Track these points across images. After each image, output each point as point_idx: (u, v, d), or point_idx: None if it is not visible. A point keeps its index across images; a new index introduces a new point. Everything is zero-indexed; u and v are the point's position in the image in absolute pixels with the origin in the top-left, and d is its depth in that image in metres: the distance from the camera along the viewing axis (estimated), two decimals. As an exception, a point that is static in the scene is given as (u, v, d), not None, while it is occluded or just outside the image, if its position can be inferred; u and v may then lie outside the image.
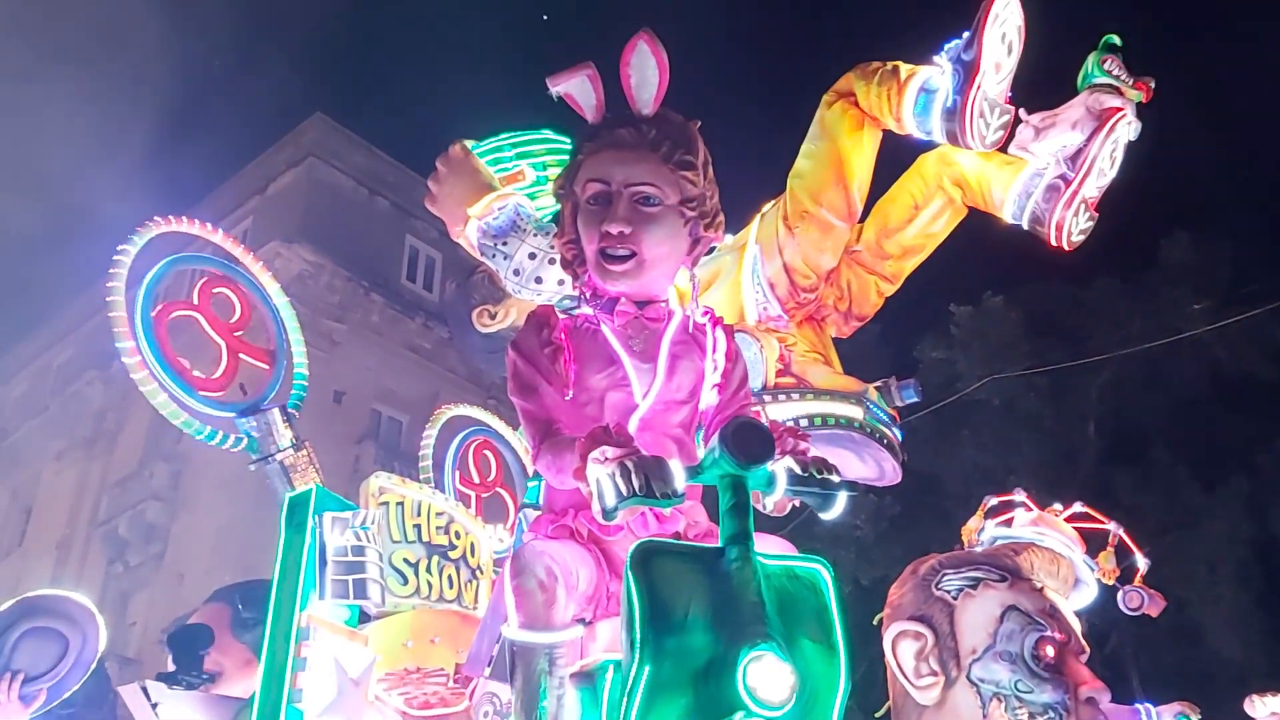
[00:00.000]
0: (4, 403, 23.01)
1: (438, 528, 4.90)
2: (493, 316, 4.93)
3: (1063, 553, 3.69)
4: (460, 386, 16.23)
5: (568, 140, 4.44)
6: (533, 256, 4.22)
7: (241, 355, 4.89)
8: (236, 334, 4.91)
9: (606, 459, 2.34)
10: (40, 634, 5.18)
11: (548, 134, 4.67)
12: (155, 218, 4.85)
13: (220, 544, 15.27)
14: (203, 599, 5.96)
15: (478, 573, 5.03)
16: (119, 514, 17.75)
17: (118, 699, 5.22)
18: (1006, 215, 4.22)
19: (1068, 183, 4.02)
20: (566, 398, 2.80)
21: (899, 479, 4.43)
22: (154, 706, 4.52)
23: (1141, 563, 4.04)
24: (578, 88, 2.92)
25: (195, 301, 4.82)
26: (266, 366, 4.97)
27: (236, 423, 4.76)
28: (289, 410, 4.85)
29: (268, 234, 20.27)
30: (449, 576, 4.85)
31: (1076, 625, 3.47)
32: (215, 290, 4.89)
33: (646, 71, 2.86)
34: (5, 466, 21.60)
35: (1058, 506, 4.24)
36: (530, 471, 5.85)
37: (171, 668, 4.58)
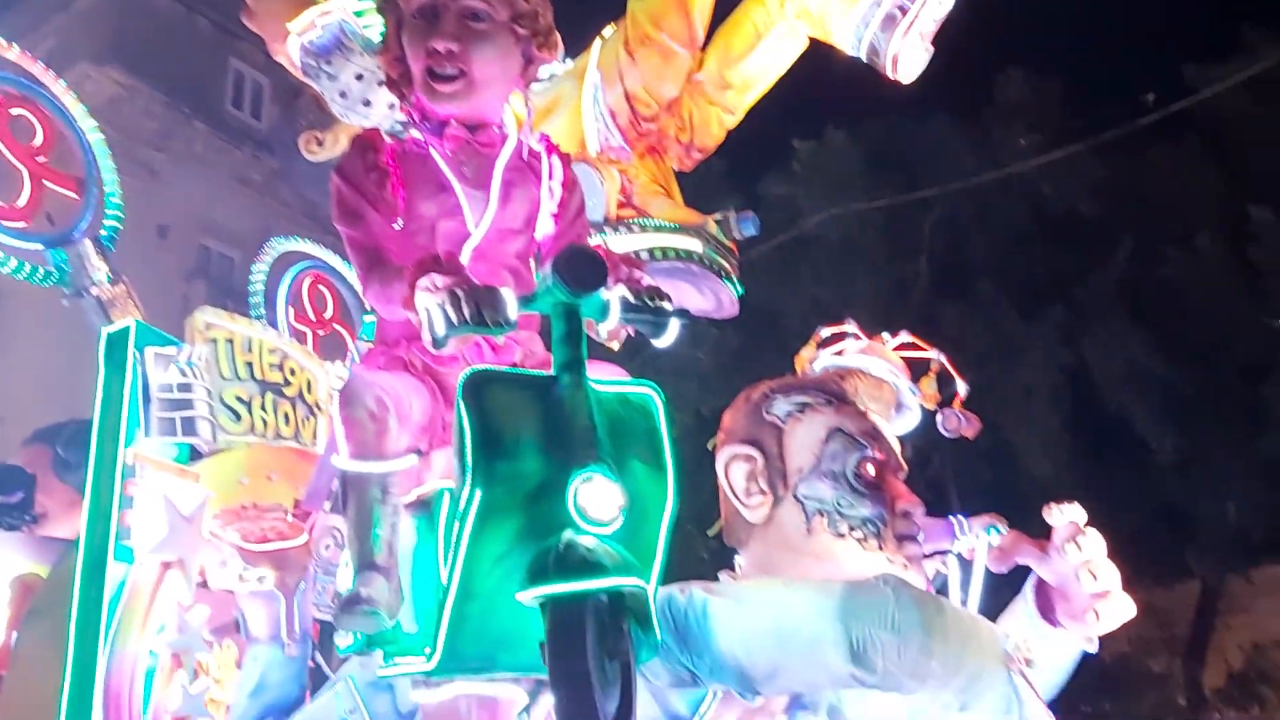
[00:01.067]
0: None
1: (271, 365, 4.78)
2: (320, 143, 4.71)
3: (887, 379, 3.85)
4: (294, 220, 15.61)
5: (395, -47, 4.19)
6: (360, 78, 4.01)
7: (46, 182, 4.56)
8: (39, 159, 4.57)
9: (436, 287, 2.29)
10: None
11: (374, -54, 4.39)
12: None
13: (41, 384, 14.60)
14: (21, 442, 5.73)
15: (315, 410, 4.95)
16: (-72, 355, 16.78)
17: (-64, 543, 5.04)
18: (845, 46, 4.21)
19: (904, 13, 4.02)
20: (396, 226, 2.70)
21: (736, 311, 4.51)
22: (-27, 548, 4.38)
23: (961, 388, 4.25)
24: None
25: (-9, 123, 4.45)
26: (75, 195, 4.65)
27: (46, 255, 4.49)
28: (102, 242, 4.60)
29: (74, 55, 18.71)
30: (285, 414, 4.76)
31: (896, 446, 3.66)
32: (13, 111, 4.53)
33: None
34: None
35: (886, 336, 4.40)
36: (368, 307, 5.76)
37: (-10, 510, 4.41)
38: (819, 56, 4.50)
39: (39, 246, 4.49)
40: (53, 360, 15.00)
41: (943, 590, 3.59)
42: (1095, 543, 3.36)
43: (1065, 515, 3.39)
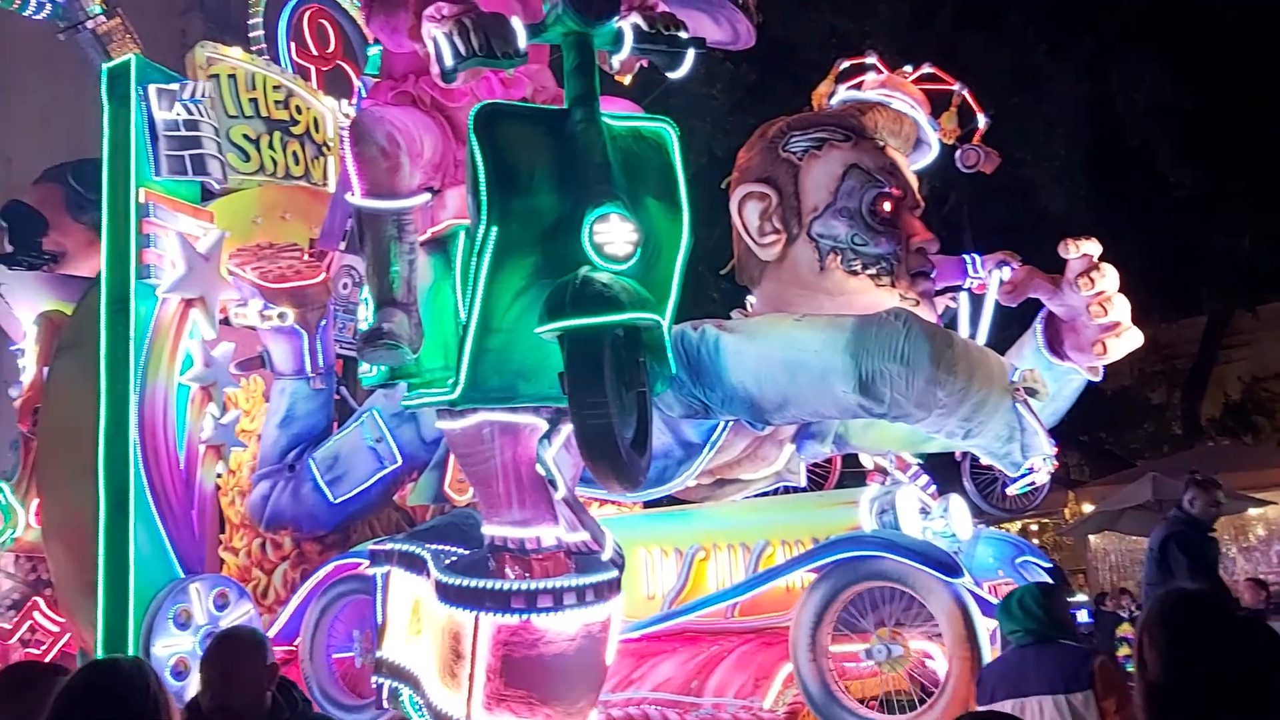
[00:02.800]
0: None
1: (276, 102, 4.68)
2: None
3: (907, 112, 3.75)
4: (291, -52, 14.86)
5: None
6: None
7: (29, -93, 4.34)
8: (21, -119, 4.33)
9: (443, 16, 2.20)
10: None
11: None
12: None
13: (45, 123, 14.36)
14: (31, 182, 5.70)
15: (324, 148, 4.88)
16: (-74, 95, 16.40)
17: (-41, 286, 5.12)
18: None
19: None
20: None
21: (753, 42, 4.35)
22: (-1, 287, 4.46)
23: (981, 122, 4.15)
24: None
25: None
26: (62, -79, 4.44)
27: (38, -14, 4.32)
28: (95, -29, 4.42)
29: None
30: (294, 152, 4.70)
31: (914, 182, 3.62)
32: None
33: None
34: None
35: (907, 69, 4.26)
36: (371, 40, 5.57)
37: (9, 249, 4.45)
38: None
39: (29, -24, 4.32)
40: (55, 99, 14.70)
41: (952, 325, 3.65)
42: (1108, 277, 3.39)
43: (1080, 250, 3.39)
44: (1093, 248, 3.39)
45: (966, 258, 4.05)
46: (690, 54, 2.32)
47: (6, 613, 4.02)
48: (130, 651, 3.23)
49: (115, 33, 4.41)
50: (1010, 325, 4.08)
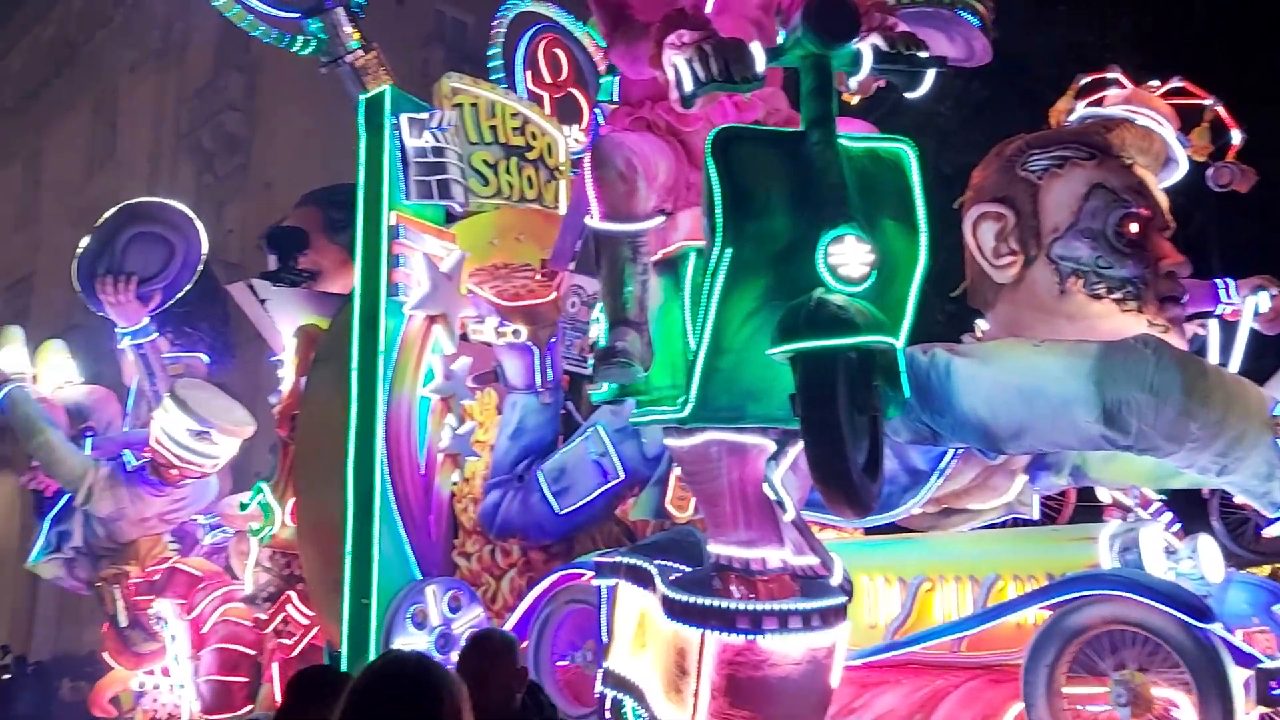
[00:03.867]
0: (68, 14, 22.74)
1: (513, 129, 4.91)
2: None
3: (1155, 129, 3.57)
4: (526, -20, 15.52)
5: None
6: None
7: (298, -49, 4.70)
8: (288, -69, 4.70)
9: (684, 43, 2.25)
10: (146, 239, 5.48)
11: None
12: None
13: (302, 151, 15.48)
14: (291, 205, 6.17)
15: (556, 173, 5.08)
16: (200, 125, 17.93)
17: (227, 297, 5.59)
18: None
19: None
20: None
21: (989, 59, 4.24)
22: (263, 302, 4.83)
23: (1236, 138, 3.90)
24: None
25: (245, -102, 4.58)
26: (326, -37, 4.79)
27: (304, 25, 4.67)
28: (353, 9, 4.73)
29: None
30: (528, 177, 4.91)
31: (1164, 202, 3.43)
32: (262, -110, 4.63)
33: None
34: (83, 81, 21.74)
35: (1154, 83, 4.04)
36: (602, 69, 5.76)
37: (273, 268, 4.81)
38: None
39: (296, 15, 4.66)
40: (309, 130, 15.82)
41: (1200, 353, 3.43)
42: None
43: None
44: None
45: (1219, 282, 3.81)
46: (930, 73, 2.29)
47: (264, 604, 4.35)
48: (372, 648, 3.44)
49: (370, 66, 4.70)
50: (1264, 355, 3.81)
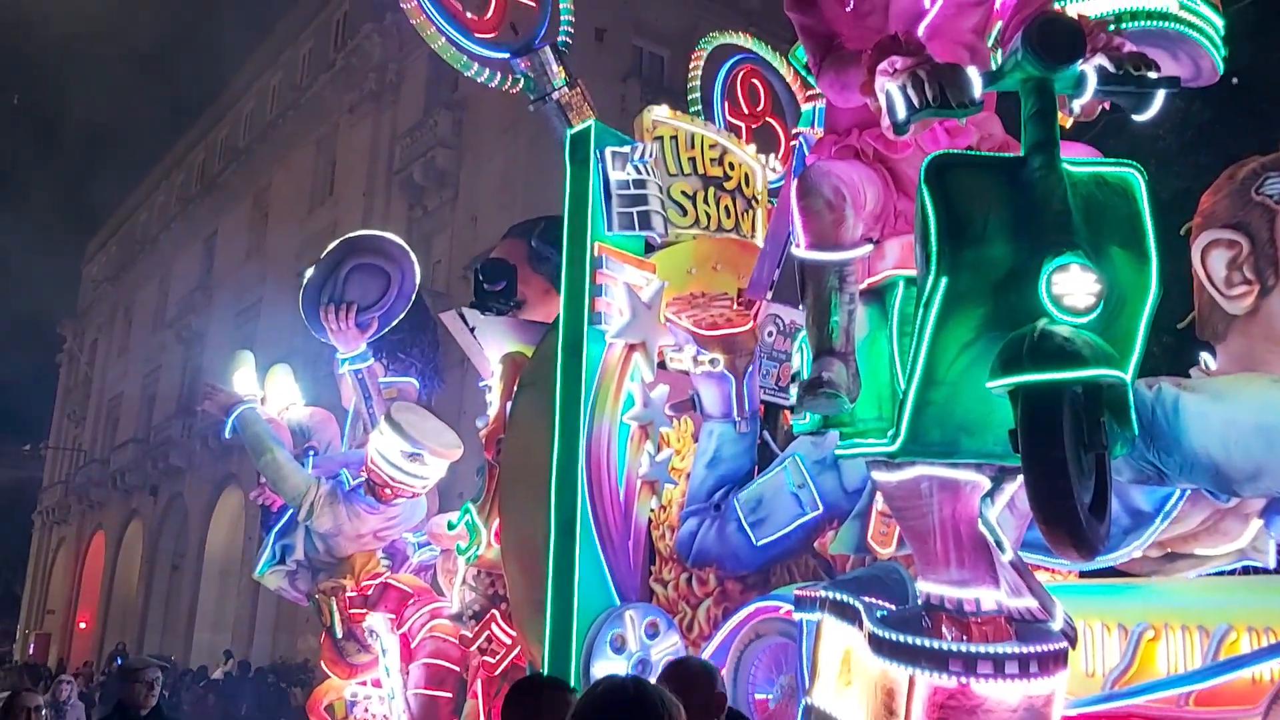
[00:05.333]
0: (295, 60, 24.32)
1: (711, 160, 4.94)
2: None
3: None
4: (718, 15, 15.64)
5: None
6: None
7: (507, -6, 4.88)
8: (502, -29, 4.89)
9: (896, 70, 2.21)
10: (365, 270, 5.78)
11: None
12: None
13: (505, 185, 16.05)
14: (494, 237, 6.39)
15: (753, 202, 5.08)
16: (412, 162, 18.83)
17: (438, 325, 5.83)
18: None
19: None
20: (847, 8, 2.63)
21: (1217, 78, 4.01)
22: (472, 330, 5.01)
23: None
24: None
25: (458, -58, 4.79)
26: (534, 4, 4.96)
27: (512, 63, 4.85)
28: (559, 48, 4.88)
29: None
30: (725, 207, 4.93)
31: None
32: (482, -68, 4.83)
33: None
34: (307, 122, 23.20)
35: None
36: (801, 98, 5.74)
37: (482, 297, 4.98)
38: None
39: (505, 55, 4.85)
40: (511, 165, 16.37)
41: None
42: None
43: None
44: None
45: None
46: (1161, 95, 2.18)
47: (469, 622, 4.48)
48: (573, 670, 3.48)
49: (575, 101, 4.83)
50: None
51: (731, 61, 5.91)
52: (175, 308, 28.45)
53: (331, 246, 5.81)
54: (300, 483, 5.15)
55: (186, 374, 26.02)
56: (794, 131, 5.37)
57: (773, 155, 5.49)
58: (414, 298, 5.74)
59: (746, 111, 5.84)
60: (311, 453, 5.55)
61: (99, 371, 33.32)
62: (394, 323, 5.65)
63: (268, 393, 5.85)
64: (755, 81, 5.99)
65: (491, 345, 4.90)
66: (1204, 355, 3.36)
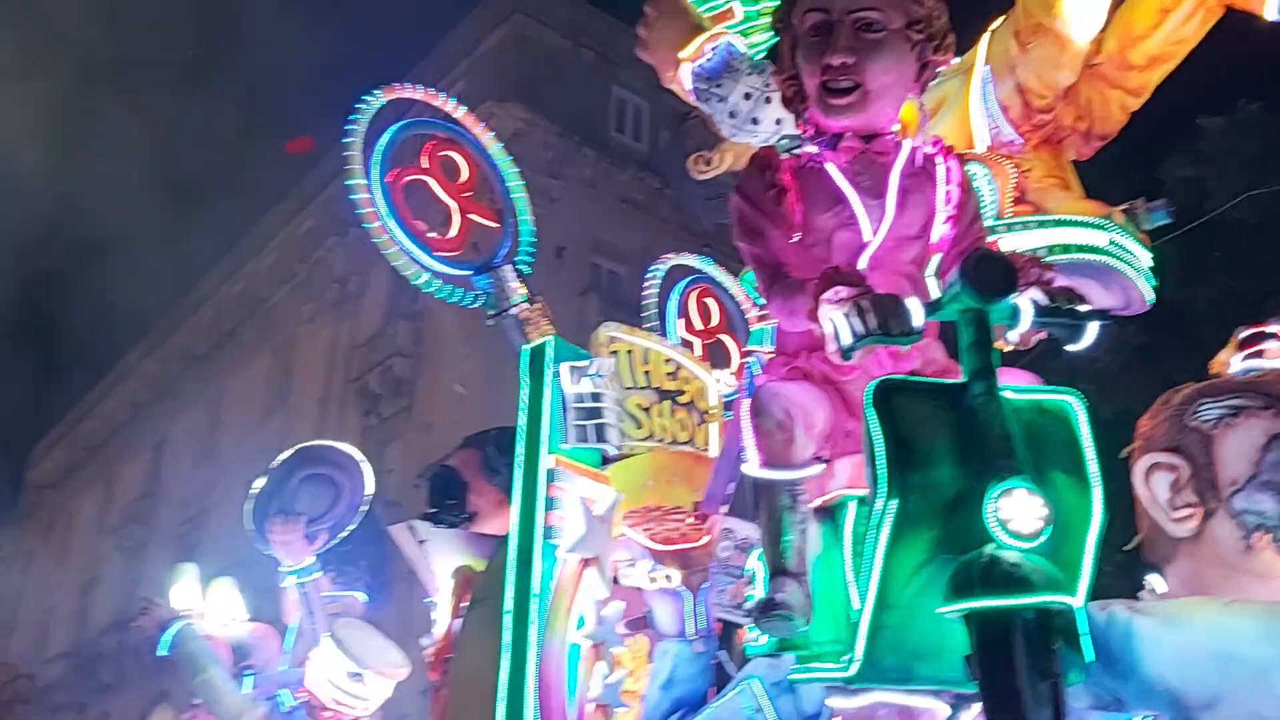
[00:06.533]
0: (258, 272, 24.83)
1: (666, 374, 5.04)
2: (708, 163, 4.90)
3: (1335, 380, 3.42)
4: (675, 235, 16.32)
5: (778, -29, 4.28)
6: (748, 96, 4.13)
7: (472, 216, 5.04)
8: (465, 195, 5.07)
9: (840, 299, 2.31)
10: (316, 480, 5.73)
11: (756, -34, 4.50)
12: (381, 88, 4.99)
13: (462, 396, 16.19)
14: (450, 446, 6.39)
15: (707, 416, 5.15)
16: (369, 370, 19.07)
17: (388, 537, 5.74)
18: (1269, 11, 3.81)
19: (1343, -33, 3.57)
20: (793, 240, 2.77)
21: (1147, 307, 4.21)
22: (421, 543, 4.93)
23: None
24: None
25: (425, 165, 4.98)
26: (496, 225, 5.13)
27: (473, 281, 4.98)
28: (519, 267, 5.03)
29: (480, 94, 20.66)
30: (680, 420, 5.00)
31: (1352, 454, 3.25)
32: (442, 153, 5.03)
33: None
34: (266, 331, 23.50)
35: (1318, 336, 3.93)
36: (753, 318, 5.92)
37: (433, 509, 4.94)
38: (1229, 22, 4.11)
39: (468, 273, 4.98)
40: (470, 372, 16.58)
41: None
42: None
43: None
44: None
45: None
46: (1093, 326, 2.28)
47: None
48: None
49: (534, 317, 4.93)
50: None
51: (686, 281, 6.09)
52: (118, 516, 27.91)
53: (282, 456, 5.77)
54: (234, 705, 4.93)
55: (125, 585, 25.23)
56: (745, 350, 5.51)
57: (726, 370, 5.61)
58: (364, 508, 5.67)
59: (700, 328, 5.98)
60: (250, 671, 5.34)
61: (33, 581, 32.23)
62: (343, 534, 5.56)
63: (209, 607, 5.67)
64: (708, 300, 6.16)
65: (441, 559, 4.81)
66: (1152, 577, 3.38)
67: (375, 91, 4.95)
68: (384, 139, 4.84)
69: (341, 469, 5.70)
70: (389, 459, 17.56)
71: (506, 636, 3.83)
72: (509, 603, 3.94)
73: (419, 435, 17.44)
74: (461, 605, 4.49)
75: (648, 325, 5.64)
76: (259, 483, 5.63)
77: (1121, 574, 4.14)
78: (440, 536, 4.96)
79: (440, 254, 5.02)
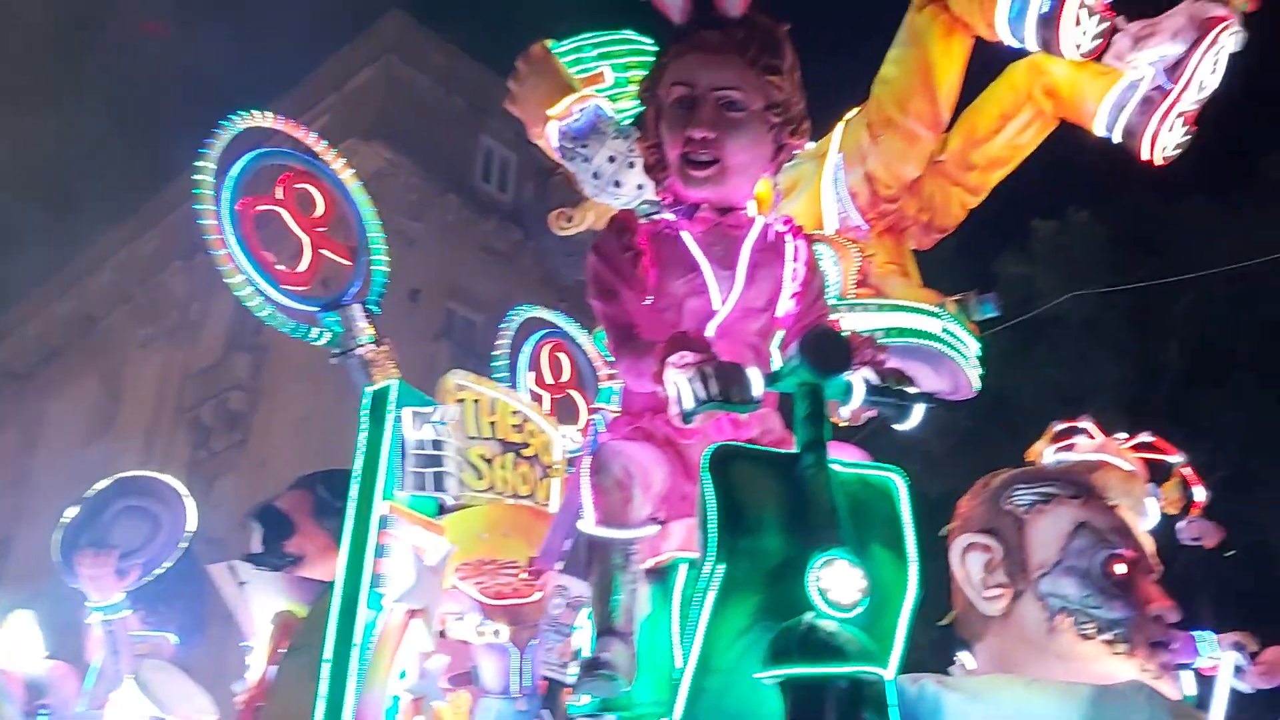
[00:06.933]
0: (91, 290, 23.72)
1: (513, 426, 5.01)
2: (570, 219, 4.95)
3: (1138, 474, 3.67)
4: (533, 288, 16.36)
5: (650, 42, 4.39)
6: (612, 160, 4.21)
7: (324, 251, 4.94)
8: (319, 230, 4.97)
9: (685, 364, 2.37)
10: (134, 512, 5.45)
11: (630, 35, 4.61)
12: (239, 113, 4.88)
13: (301, 433, 15.74)
14: (284, 486, 6.19)
15: (550, 470, 5.14)
16: (203, 401, 18.37)
17: (207, 577, 5.49)
18: (1098, 128, 4.11)
19: (1164, 95, 3.89)
20: (646, 302, 2.82)
21: (973, 394, 4.42)
22: (241, 585, 4.74)
23: (1199, 495, 4.03)
24: None
25: (279, 196, 4.87)
26: (348, 263, 5.03)
27: (320, 317, 4.86)
28: (369, 307, 4.94)
29: (345, 131, 20.39)
30: (522, 473, 4.97)
31: (1148, 544, 3.47)
32: (298, 186, 4.93)
33: None
34: (94, 353, 22.40)
35: (1122, 436, 4.22)
36: (603, 376, 5.96)
37: (257, 549, 4.76)
38: (1062, 134, 4.41)
39: (315, 309, 4.86)
40: (311, 412, 16.14)
41: (1202, 706, 3.36)
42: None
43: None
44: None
45: (1197, 635, 3.79)
46: (919, 408, 2.39)
47: None
48: None
49: (380, 359, 4.84)
50: (1249, 706, 3.74)
51: (540, 334, 6.09)
52: (-88, 541, 25.98)
53: (99, 485, 5.49)
54: None
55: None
56: (592, 407, 5.54)
57: (573, 427, 5.61)
58: (183, 545, 5.42)
59: (551, 382, 5.97)
60: (44, 711, 5.01)
61: None
62: (157, 571, 5.29)
63: (4, 640, 5.31)
64: (561, 355, 6.16)
65: (261, 602, 4.64)
66: (963, 654, 3.51)
67: (234, 116, 4.84)
68: (238, 165, 4.71)
69: (163, 502, 5.45)
70: (217, 495, 16.87)
71: (323, 687, 3.72)
72: (329, 651, 3.82)
73: (251, 472, 16.83)
74: (279, 651, 4.33)
75: (498, 375, 5.62)
76: (71, 511, 5.33)
77: (938, 649, 4.29)
78: (262, 579, 4.78)
79: (287, 287, 4.89)
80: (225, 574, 4.95)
